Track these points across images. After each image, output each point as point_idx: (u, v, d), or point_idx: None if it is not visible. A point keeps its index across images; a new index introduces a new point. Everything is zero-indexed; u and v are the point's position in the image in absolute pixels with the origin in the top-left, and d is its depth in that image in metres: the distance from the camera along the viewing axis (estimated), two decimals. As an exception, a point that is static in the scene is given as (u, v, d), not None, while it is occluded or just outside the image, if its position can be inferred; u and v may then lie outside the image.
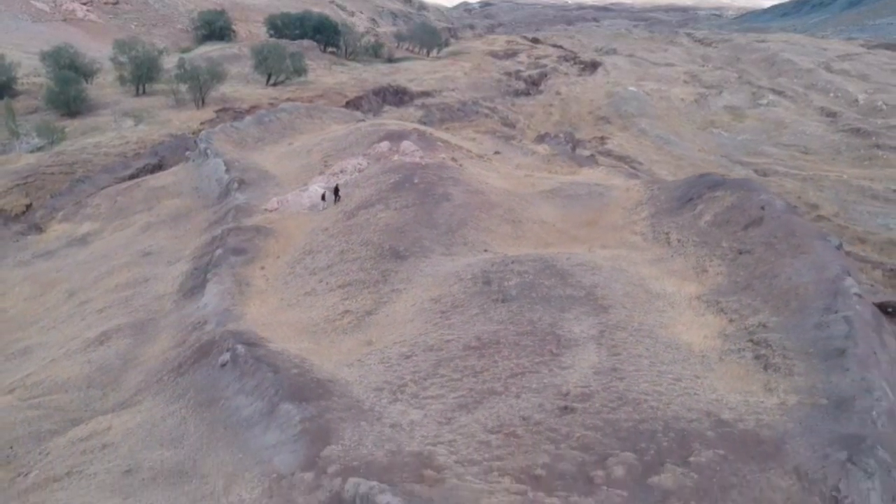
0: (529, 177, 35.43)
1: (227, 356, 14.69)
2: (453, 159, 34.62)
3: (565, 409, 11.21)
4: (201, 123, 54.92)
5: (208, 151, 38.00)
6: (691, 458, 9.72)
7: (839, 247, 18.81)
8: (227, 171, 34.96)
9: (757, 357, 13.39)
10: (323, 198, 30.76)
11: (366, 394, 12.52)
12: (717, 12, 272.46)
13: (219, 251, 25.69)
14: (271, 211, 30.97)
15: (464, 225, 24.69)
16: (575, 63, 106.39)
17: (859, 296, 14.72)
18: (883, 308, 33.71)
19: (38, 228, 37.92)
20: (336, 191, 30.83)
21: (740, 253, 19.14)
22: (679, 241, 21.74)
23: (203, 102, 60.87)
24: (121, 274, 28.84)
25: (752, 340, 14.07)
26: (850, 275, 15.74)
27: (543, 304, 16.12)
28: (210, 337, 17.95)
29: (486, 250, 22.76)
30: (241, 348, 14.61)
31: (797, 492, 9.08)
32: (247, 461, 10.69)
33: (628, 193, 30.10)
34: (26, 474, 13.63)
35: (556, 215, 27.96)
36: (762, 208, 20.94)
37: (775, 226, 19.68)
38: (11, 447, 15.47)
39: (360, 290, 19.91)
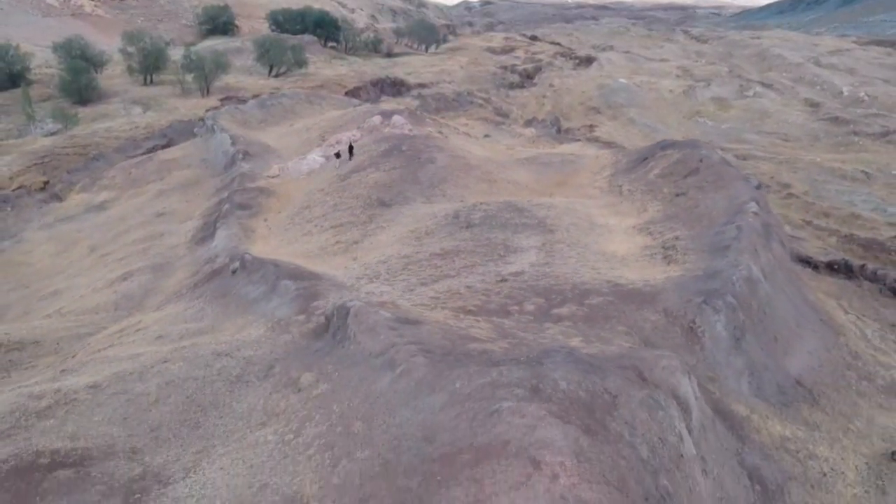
0: (511, 149, 38.54)
1: (236, 264, 17.84)
2: (440, 132, 37.71)
3: (500, 281, 14.30)
4: (206, 110, 57.99)
5: (215, 127, 41.16)
6: (586, 301, 12.80)
7: (758, 187, 21.84)
8: (233, 143, 38.11)
9: (664, 257, 16.46)
10: (337, 156, 33.30)
11: (348, 280, 15.67)
12: (717, 10, 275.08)
13: (226, 206, 28.84)
14: (273, 177, 34.12)
15: (444, 182, 27.81)
16: (570, 59, 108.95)
17: (756, 213, 17.75)
18: (830, 266, 36.89)
19: (59, 198, 41.09)
20: (350, 149, 33.39)
21: (677, 195, 22.19)
22: (629, 190, 24.83)
23: (208, 91, 64.05)
24: (137, 231, 32.00)
25: (663, 247, 17.15)
26: (756, 202, 18.77)
27: (501, 229, 19.24)
28: (221, 264, 21.10)
29: (461, 201, 25.84)
30: (248, 256, 17.78)
31: (663, 323, 12.15)
32: (254, 318, 13.83)
33: (597, 160, 33.18)
34: (74, 356, 16.78)
35: (529, 177, 31.05)
36: (700, 161, 24.00)
37: (709, 173, 22.74)
38: (58, 343, 18.68)
39: (349, 228, 23.08)
